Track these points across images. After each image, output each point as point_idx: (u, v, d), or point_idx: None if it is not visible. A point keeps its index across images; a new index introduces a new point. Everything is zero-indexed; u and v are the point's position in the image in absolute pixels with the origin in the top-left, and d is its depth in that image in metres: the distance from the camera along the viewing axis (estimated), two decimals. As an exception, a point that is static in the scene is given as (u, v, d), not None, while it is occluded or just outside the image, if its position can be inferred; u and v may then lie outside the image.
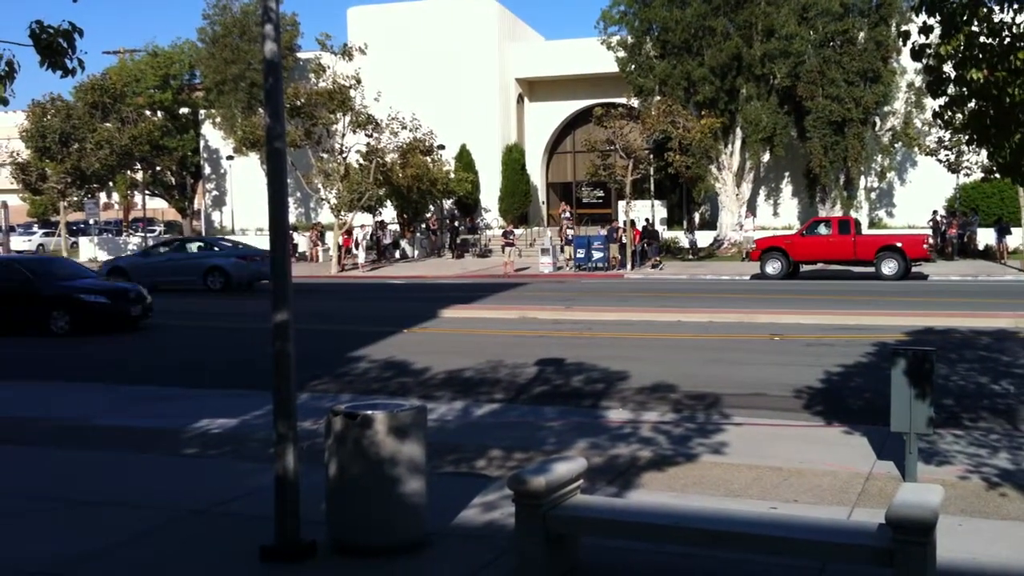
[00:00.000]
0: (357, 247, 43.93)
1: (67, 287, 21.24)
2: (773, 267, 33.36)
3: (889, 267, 31.96)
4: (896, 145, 42.83)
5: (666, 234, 45.30)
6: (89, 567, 6.58)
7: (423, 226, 49.49)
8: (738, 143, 43.83)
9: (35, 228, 65.48)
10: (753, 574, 6.20)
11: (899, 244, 32.47)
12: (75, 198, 48.24)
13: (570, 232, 42.92)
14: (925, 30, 7.56)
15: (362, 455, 6.47)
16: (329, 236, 45.04)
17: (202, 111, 56.67)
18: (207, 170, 57.83)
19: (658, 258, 39.82)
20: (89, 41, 59.56)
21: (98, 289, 21.60)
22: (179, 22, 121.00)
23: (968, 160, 37.21)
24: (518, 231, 45.46)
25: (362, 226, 46.37)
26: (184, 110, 58.44)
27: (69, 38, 6.73)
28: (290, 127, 38.11)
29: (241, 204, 54.48)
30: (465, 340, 19.06)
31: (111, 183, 56.92)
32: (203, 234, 48.63)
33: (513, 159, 50.30)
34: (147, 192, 61.78)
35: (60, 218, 49.42)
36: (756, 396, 12.70)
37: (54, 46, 6.69)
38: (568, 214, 46.53)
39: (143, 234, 57.05)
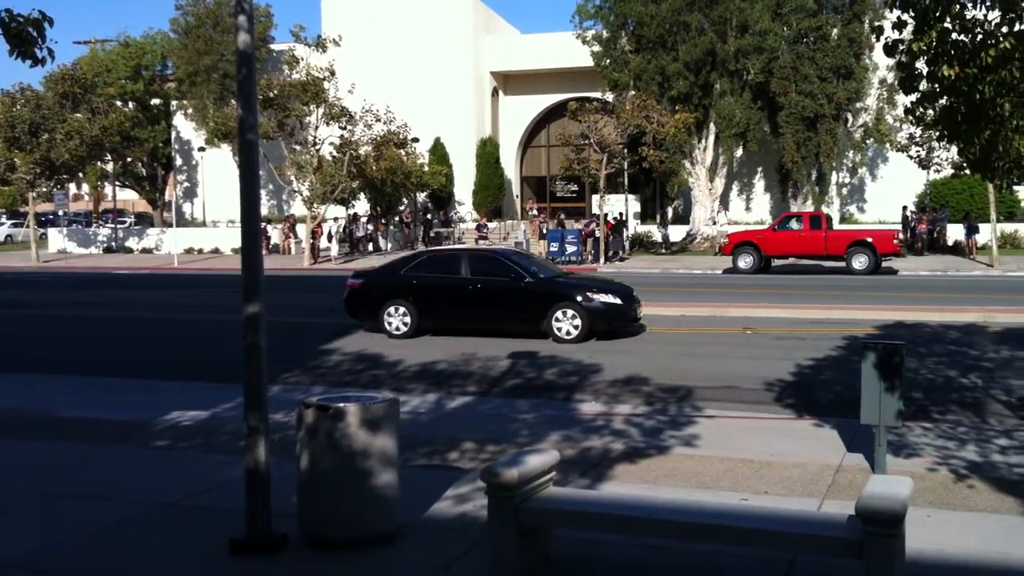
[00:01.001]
0: (330, 239, 43.71)
1: (573, 284, 17.99)
2: (745, 261, 33.51)
3: (860, 262, 32.21)
4: (868, 141, 43.16)
5: (639, 228, 45.39)
6: (59, 560, 6.53)
7: (396, 219, 49.34)
8: (711, 138, 44.00)
9: (3, 219, 64.83)
10: (724, 566, 6.23)
11: (869, 239, 32.72)
12: (44, 189, 47.70)
13: (543, 227, 42.93)
14: (898, 26, 7.61)
15: (334, 448, 6.44)
16: (301, 228, 44.83)
17: (174, 102, 56.24)
18: (178, 161, 57.41)
19: (621, 251, 39.83)
20: (59, 30, 58.88)
21: (607, 288, 18.00)
22: (151, 12, 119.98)
23: (938, 156, 37.57)
24: (491, 225, 45.44)
25: (335, 219, 46.17)
26: (156, 101, 57.94)
27: (39, 27, 6.64)
28: (263, 119, 37.87)
29: (213, 196, 54.13)
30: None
31: (81, 174, 56.36)
32: (175, 226, 48.21)
33: (487, 152, 50.25)
34: (117, 183, 61.21)
35: (29, 209, 48.85)
36: (728, 389, 12.76)
37: (23, 35, 6.60)
38: (536, 211, 46.42)
39: (113, 225, 56.57)
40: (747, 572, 6.14)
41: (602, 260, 38.34)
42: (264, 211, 44.76)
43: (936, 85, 7.65)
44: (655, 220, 47.45)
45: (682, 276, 33.31)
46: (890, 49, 7.68)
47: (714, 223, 43.66)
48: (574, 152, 41.06)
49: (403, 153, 43.93)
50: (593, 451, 9.46)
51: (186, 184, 57.60)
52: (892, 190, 44.42)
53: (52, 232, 54.41)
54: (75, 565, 6.45)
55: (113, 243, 52.94)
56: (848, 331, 17.68)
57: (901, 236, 34.79)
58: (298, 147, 42.06)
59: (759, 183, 48.79)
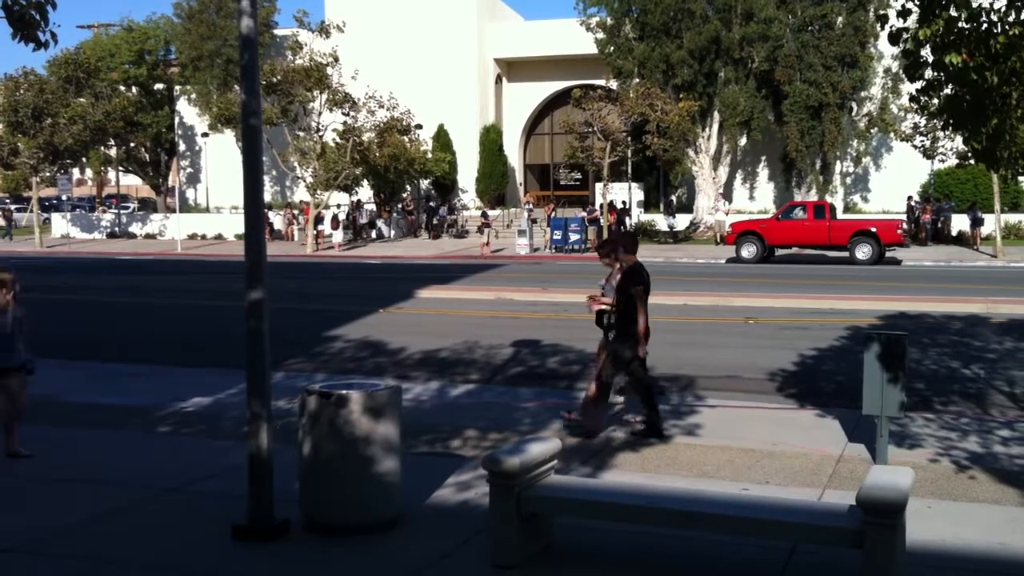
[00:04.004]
0: (336, 226, 43.59)
1: None
2: (748, 251, 33.48)
3: (863, 252, 32.16)
4: (872, 130, 43.01)
5: (643, 217, 45.30)
6: (62, 544, 6.55)
7: (400, 206, 49.31)
8: (715, 127, 43.87)
9: (7, 203, 64.75)
10: (725, 555, 6.23)
11: (873, 229, 32.66)
12: (48, 174, 47.71)
13: (527, 214, 42.89)
14: (903, 14, 7.57)
15: (336, 434, 6.45)
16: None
17: (177, 87, 56.11)
18: (182, 147, 57.33)
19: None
20: (63, 14, 58.78)
21: None
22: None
23: (943, 146, 37.44)
24: (493, 212, 45.38)
25: (338, 205, 46.14)
26: (159, 86, 57.82)
27: (41, 10, 6.62)
28: (266, 104, 37.85)
29: (216, 181, 54.10)
30: (441, 320, 19.04)
31: (84, 159, 56.29)
32: (178, 211, 48.22)
33: (491, 140, 50.13)
34: (121, 168, 61.17)
35: (32, 194, 48.85)
36: (730, 379, 12.76)
37: (26, 18, 6.58)
38: (530, 205, 46.28)
39: (116, 211, 56.56)
40: (747, 561, 6.15)
41: (605, 248, 38.25)
42: (267, 197, 44.90)
43: (942, 73, 7.61)
44: (658, 208, 47.34)
45: (685, 265, 33.28)
46: (895, 37, 7.64)
47: (716, 212, 43.59)
48: (578, 140, 40.97)
49: (406, 140, 43.86)
50: (595, 440, 9.47)
51: (189, 170, 57.54)
52: (896, 180, 44.30)
53: (56, 217, 54.42)
54: (77, 549, 6.47)
55: (117, 228, 52.96)
56: (851, 321, 17.67)
57: (905, 226, 34.72)
58: (301, 133, 42.03)
59: (763, 172, 48.67)
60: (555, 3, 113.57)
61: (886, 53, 41.16)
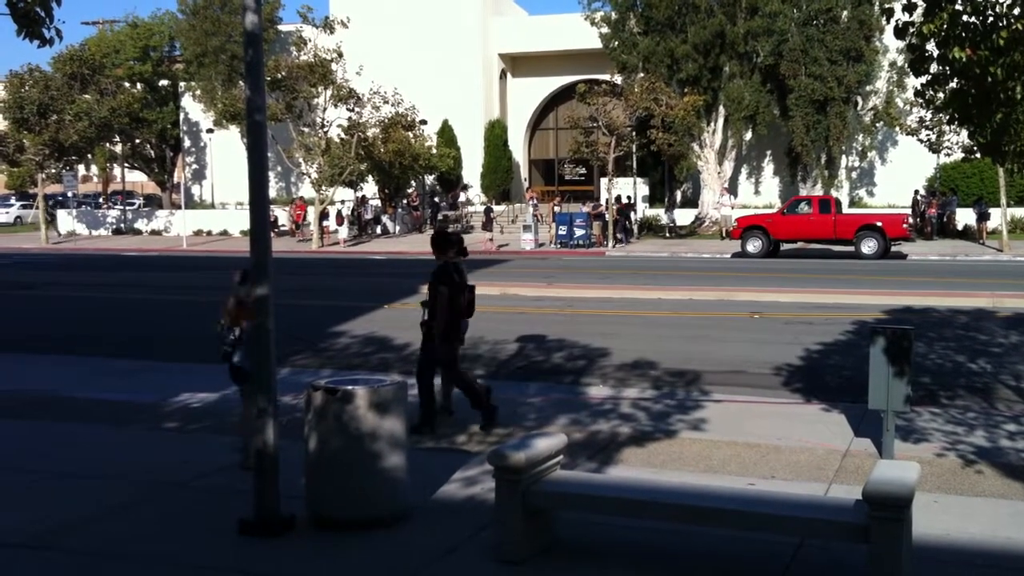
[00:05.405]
0: (340, 222, 43.60)
1: None
2: (754, 245, 33.43)
3: (869, 246, 32.10)
4: (878, 124, 42.88)
5: (648, 211, 45.24)
6: (69, 538, 6.57)
7: (404, 202, 49.31)
8: (720, 121, 43.79)
9: (12, 200, 64.92)
10: (730, 550, 6.24)
11: (879, 223, 32.59)
12: (53, 170, 47.79)
13: (532, 209, 42.79)
14: (909, 8, 7.55)
15: (342, 430, 6.47)
16: (310, 211, 44.84)
17: (182, 83, 56.14)
18: (187, 143, 57.38)
19: (621, 235, 39.45)
20: (67, 11, 58.85)
21: None
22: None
23: (949, 140, 37.32)
24: (498, 208, 45.33)
25: (343, 201, 46.16)
26: (164, 82, 57.87)
27: (46, 7, 6.64)
28: (271, 100, 37.86)
29: (221, 177, 54.14)
30: (446, 316, 18.99)
31: (90, 155, 56.42)
32: (183, 207, 48.25)
33: (495, 135, 50.11)
34: (126, 165, 61.26)
35: (38, 190, 48.92)
36: (736, 373, 12.75)
37: (31, 15, 6.60)
38: (534, 200, 46.28)
39: (122, 207, 56.63)
40: (753, 556, 6.16)
41: (611, 243, 38.28)
42: (272, 193, 44.86)
43: (947, 68, 7.60)
44: (663, 203, 47.26)
45: (690, 260, 33.25)
46: (900, 31, 7.62)
47: (721, 206, 43.51)
48: (582, 135, 40.91)
49: (411, 135, 43.83)
50: (600, 435, 9.48)
51: (195, 166, 57.59)
52: (902, 174, 44.18)
53: (61, 214, 54.49)
54: (84, 544, 6.50)
55: (122, 225, 53.03)
56: (857, 316, 17.64)
57: (911, 220, 34.64)
58: (306, 129, 42.03)
59: (768, 167, 48.56)
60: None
61: (891, 47, 41.02)
